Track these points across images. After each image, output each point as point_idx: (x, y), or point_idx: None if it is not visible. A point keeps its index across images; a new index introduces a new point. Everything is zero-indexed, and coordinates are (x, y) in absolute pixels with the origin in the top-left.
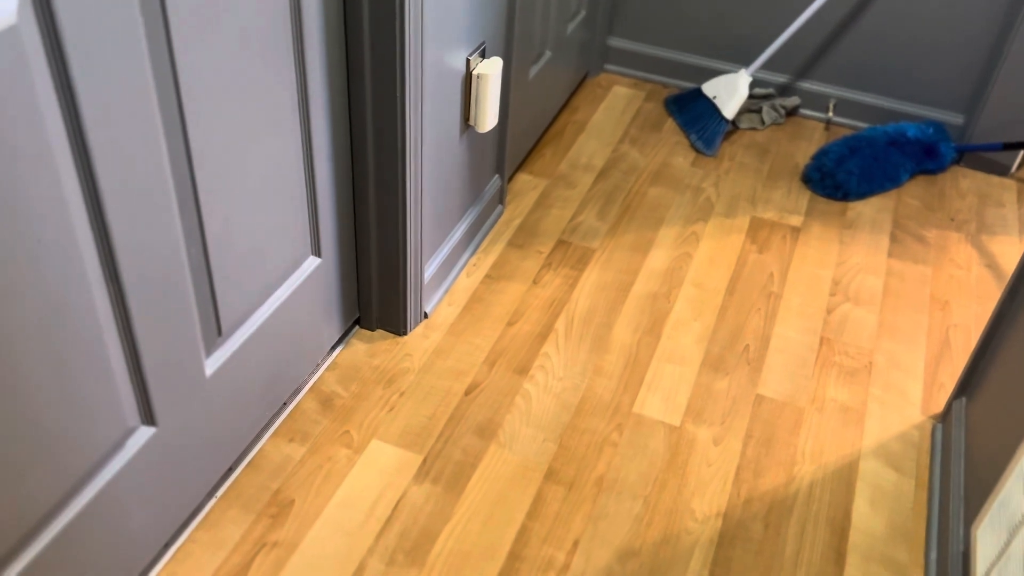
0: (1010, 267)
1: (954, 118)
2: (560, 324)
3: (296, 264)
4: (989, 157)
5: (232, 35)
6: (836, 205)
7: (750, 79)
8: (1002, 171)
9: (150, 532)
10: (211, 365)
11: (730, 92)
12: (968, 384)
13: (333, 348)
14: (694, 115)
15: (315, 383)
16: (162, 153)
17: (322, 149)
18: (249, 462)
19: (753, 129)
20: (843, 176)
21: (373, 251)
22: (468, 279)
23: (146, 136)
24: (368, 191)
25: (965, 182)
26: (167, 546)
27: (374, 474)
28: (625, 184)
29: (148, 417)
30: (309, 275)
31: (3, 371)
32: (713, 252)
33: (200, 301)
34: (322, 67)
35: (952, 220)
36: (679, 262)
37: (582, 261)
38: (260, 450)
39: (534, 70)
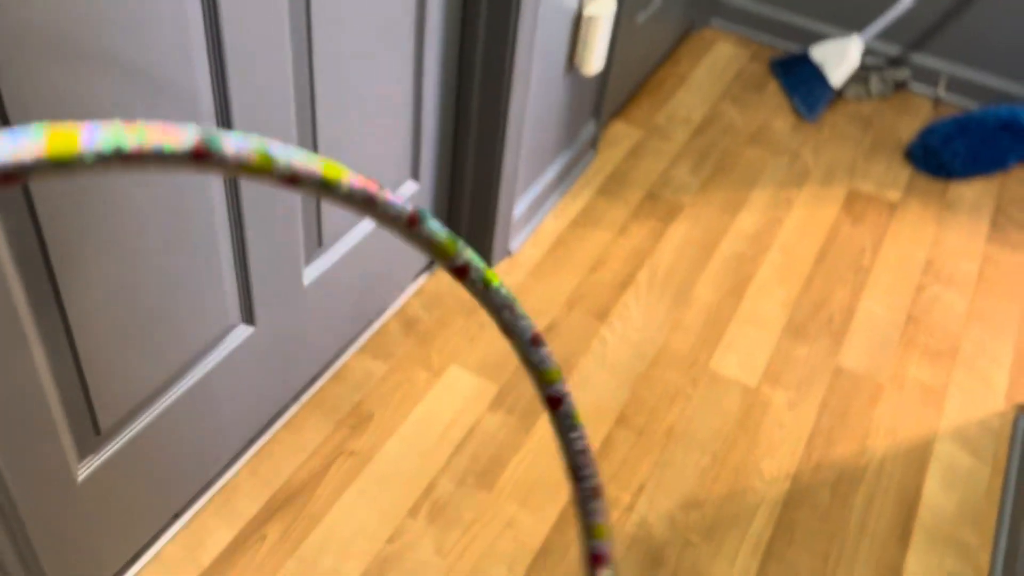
0: None
1: None
2: (642, 275)
3: (396, 186)
4: None
5: None
6: (937, 184)
7: (862, 47)
8: None
9: (238, 427)
10: (309, 275)
11: (839, 59)
12: None
13: (420, 274)
14: (799, 79)
15: (401, 306)
16: (287, 58)
17: (431, 73)
18: (334, 373)
19: (858, 99)
20: (948, 156)
21: (468, 182)
22: (555, 222)
23: (274, 40)
24: (471, 120)
25: None
26: (252, 442)
27: (451, 398)
28: (721, 142)
29: (248, 316)
30: (408, 198)
31: (128, 252)
32: (805, 220)
33: (306, 209)
34: None
35: None
36: (769, 226)
37: (670, 215)
38: (345, 363)
39: (643, 16)
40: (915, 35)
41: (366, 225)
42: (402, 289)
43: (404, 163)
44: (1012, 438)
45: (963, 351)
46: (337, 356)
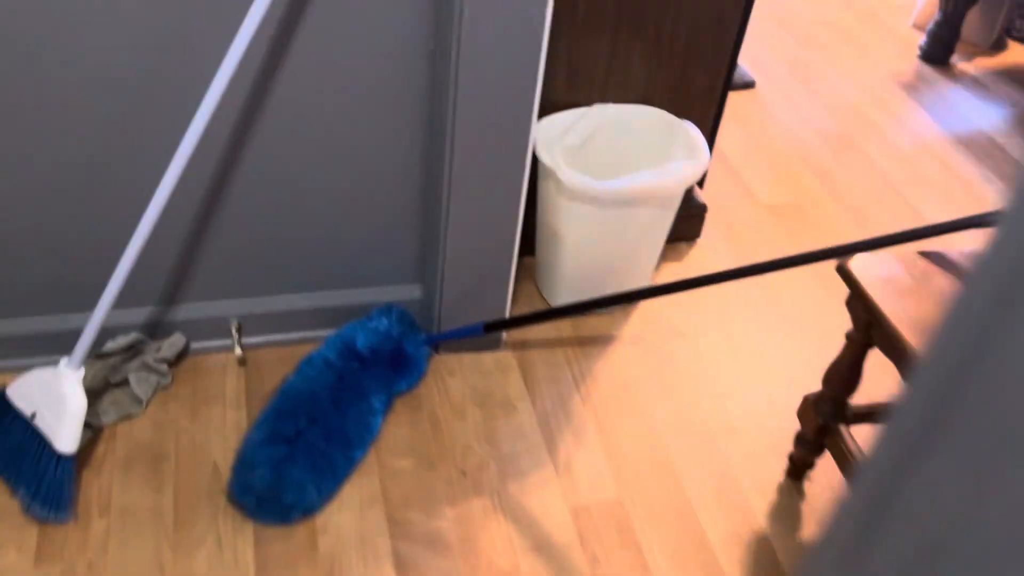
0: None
1: (410, 291)
2: None
3: None
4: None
5: None
6: (299, 531)
7: (81, 370)
8: (493, 345)
9: None
10: None
11: (57, 405)
12: None
13: None
14: (13, 454)
15: None
16: None
17: None
18: None
19: (129, 417)
20: (292, 496)
21: None
22: None
23: None
24: None
25: (455, 382)
26: None
27: None
28: None
29: None
30: None
31: None
32: None
33: None
34: None
35: (465, 474)
36: None
37: None
38: None
39: None
40: (166, 287)
41: None
42: None
43: None
44: None
45: None
46: None
